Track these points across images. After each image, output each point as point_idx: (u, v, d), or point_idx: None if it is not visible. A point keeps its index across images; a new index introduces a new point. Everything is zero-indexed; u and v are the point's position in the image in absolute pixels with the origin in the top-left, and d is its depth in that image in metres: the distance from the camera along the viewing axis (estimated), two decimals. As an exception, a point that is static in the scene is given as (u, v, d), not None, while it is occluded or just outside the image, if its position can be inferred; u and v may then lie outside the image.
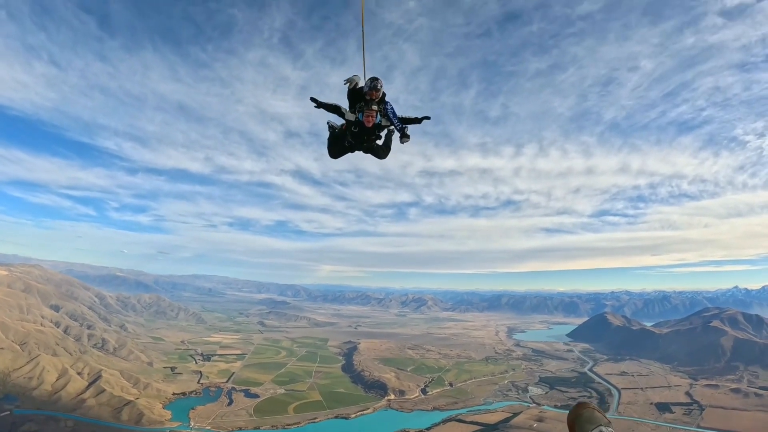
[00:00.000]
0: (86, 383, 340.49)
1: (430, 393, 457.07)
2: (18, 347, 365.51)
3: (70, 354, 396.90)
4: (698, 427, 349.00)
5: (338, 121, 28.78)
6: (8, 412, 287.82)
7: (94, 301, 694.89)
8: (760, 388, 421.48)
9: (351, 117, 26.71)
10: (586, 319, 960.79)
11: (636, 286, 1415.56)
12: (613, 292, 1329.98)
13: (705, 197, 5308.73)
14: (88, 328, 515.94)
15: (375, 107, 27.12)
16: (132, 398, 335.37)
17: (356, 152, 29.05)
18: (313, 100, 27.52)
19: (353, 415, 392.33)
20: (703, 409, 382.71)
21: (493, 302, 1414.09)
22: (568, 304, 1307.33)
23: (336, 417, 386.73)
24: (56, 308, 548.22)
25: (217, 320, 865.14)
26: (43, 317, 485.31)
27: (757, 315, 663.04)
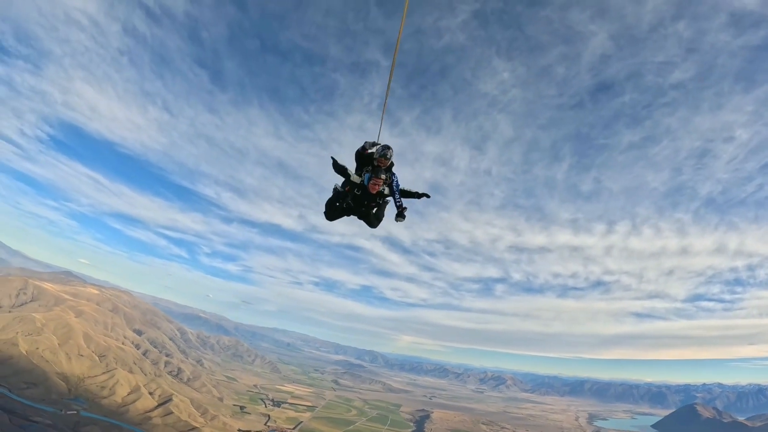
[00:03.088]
0: (156, 403, 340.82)
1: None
2: (97, 358, 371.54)
3: (145, 374, 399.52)
4: None
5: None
6: (75, 412, 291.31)
7: (175, 334, 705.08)
8: None
9: (356, 180, 25.53)
10: (673, 410, 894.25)
11: (730, 378, 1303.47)
12: (704, 384, 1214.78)
13: None
14: (167, 356, 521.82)
15: (383, 176, 25.68)
16: (198, 426, 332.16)
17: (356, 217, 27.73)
18: (333, 160, 26.58)
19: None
20: None
21: (575, 387, 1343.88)
22: (655, 394, 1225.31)
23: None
24: (139, 332, 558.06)
25: (292, 372, 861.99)
26: (125, 337, 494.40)
27: None
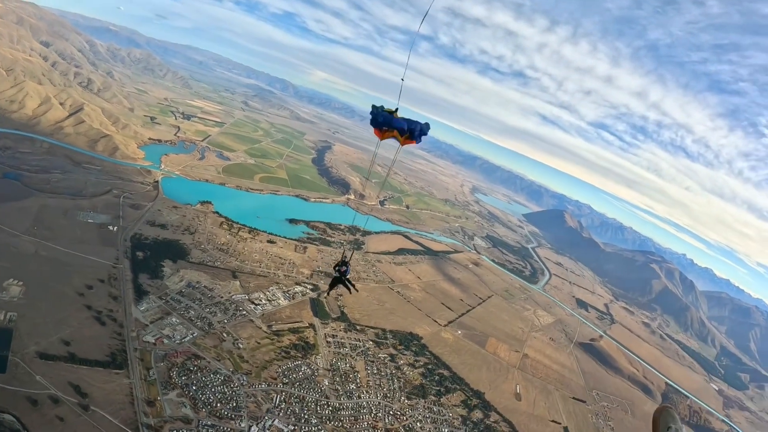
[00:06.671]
0: (67, 113, 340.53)
1: (387, 206, 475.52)
2: (3, 72, 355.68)
3: (54, 85, 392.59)
4: (604, 333, 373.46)
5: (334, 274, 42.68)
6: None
7: (84, 46, 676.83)
8: (666, 334, 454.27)
9: (337, 275, 42.01)
10: (545, 209, 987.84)
11: (600, 207, 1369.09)
12: (578, 201, 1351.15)
13: (700, 162, 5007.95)
14: (76, 66, 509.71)
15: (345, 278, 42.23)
16: (110, 133, 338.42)
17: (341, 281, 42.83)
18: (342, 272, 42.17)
19: (312, 200, 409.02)
20: (614, 323, 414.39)
21: (467, 160, 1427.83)
22: (534, 191, 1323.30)
23: (297, 196, 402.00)
24: (46, 44, 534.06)
25: (203, 90, 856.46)
26: (32, 49, 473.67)
27: (692, 281, 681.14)
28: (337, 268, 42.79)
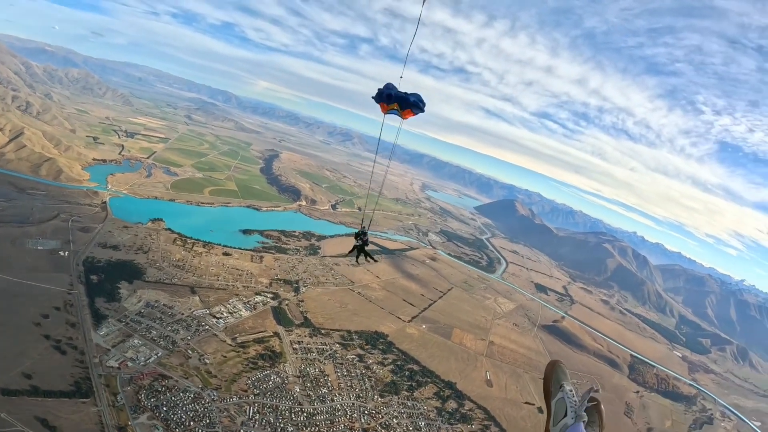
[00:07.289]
0: (7, 139, 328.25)
1: (339, 210, 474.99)
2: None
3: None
4: (566, 314, 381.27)
5: (355, 242, 44.53)
6: None
7: (20, 68, 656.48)
8: (626, 309, 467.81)
9: (358, 243, 43.87)
10: (496, 200, 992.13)
11: (549, 194, 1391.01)
12: (527, 190, 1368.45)
13: (642, 143, 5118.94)
14: (13, 90, 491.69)
15: (366, 245, 44.39)
16: (53, 156, 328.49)
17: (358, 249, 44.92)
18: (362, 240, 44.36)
19: (264, 209, 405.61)
20: (574, 303, 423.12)
21: (414, 159, 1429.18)
22: (484, 183, 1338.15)
23: (248, 207, 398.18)
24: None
25: (145, 106, 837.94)
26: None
27: (644, 256, 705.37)
28: (358, 238, 44.49)
